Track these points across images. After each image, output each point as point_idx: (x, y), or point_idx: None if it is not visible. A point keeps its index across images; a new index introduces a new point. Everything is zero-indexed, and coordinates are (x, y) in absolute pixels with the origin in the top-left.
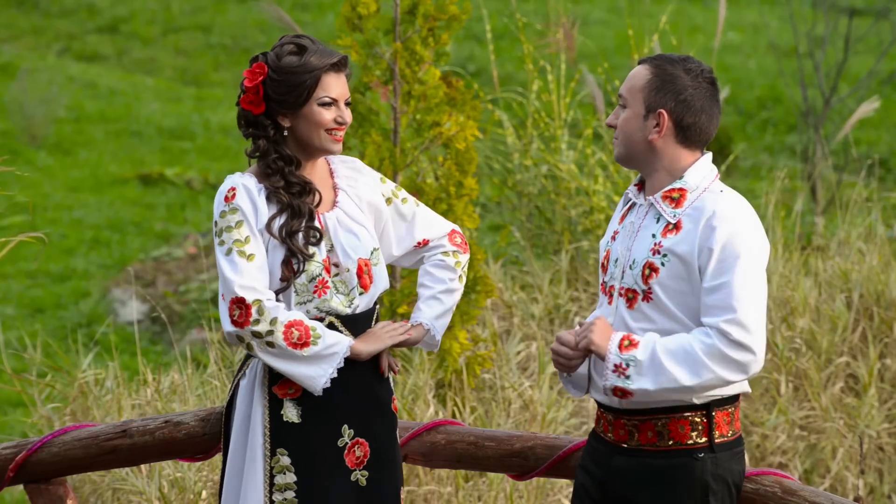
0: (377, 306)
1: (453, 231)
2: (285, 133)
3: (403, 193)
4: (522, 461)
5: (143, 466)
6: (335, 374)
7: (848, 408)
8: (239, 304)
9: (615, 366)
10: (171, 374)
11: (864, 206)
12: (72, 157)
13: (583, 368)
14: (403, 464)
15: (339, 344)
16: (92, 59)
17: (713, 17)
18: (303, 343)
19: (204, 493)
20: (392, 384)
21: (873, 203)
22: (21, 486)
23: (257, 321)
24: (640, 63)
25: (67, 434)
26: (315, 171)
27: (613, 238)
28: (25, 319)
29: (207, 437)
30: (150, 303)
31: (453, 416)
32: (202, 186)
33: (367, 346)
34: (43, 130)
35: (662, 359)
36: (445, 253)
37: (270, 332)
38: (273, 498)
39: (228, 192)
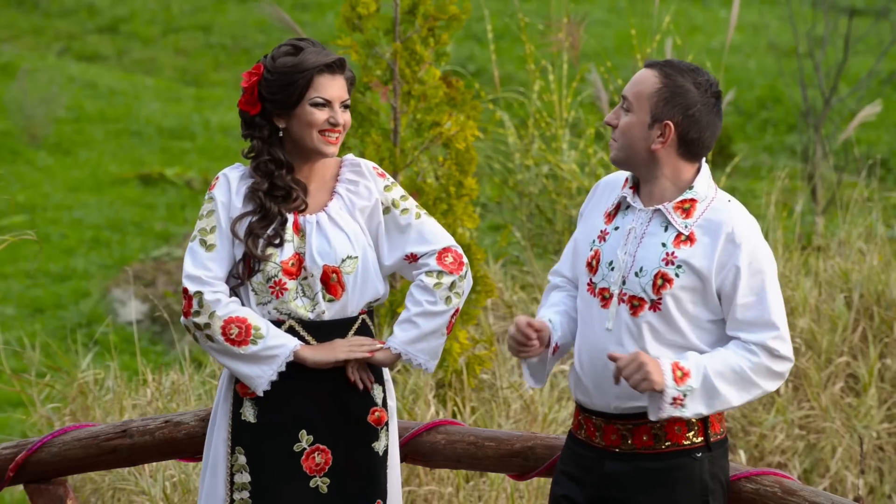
0: (362, 317)
1: (446, 249)
2: (280, 134)
3: (406, 204)
4: (522, 461)
5: (145, 466)
6: (275, 377)
7: (848, 408)
8: (184, 293)
9: (673, 399)
10: (172, 374)
11: (864, 206)
12: (72, 157)
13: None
14: (403, 464)
15: (282, 347)
16: (92, 59)
17: (713, 17)
18: (241, 341)
19: None
20: (380, 396)
21: (873, 203)
22: (21, 486)
23: (197, 313)
24: (647, 66)
25: (67, 434)
26: (315, 173)
27: (602, 239)
28: (25, 319)
29: None
30: (151, 303)
31: (453, 416)
32: (202, 186)
33: (316, 355)
34: (43, 130)
35: (715, 383)
36: (429, 273)
37: (208, 326)
38: (233, 496)
39: (213, 181)
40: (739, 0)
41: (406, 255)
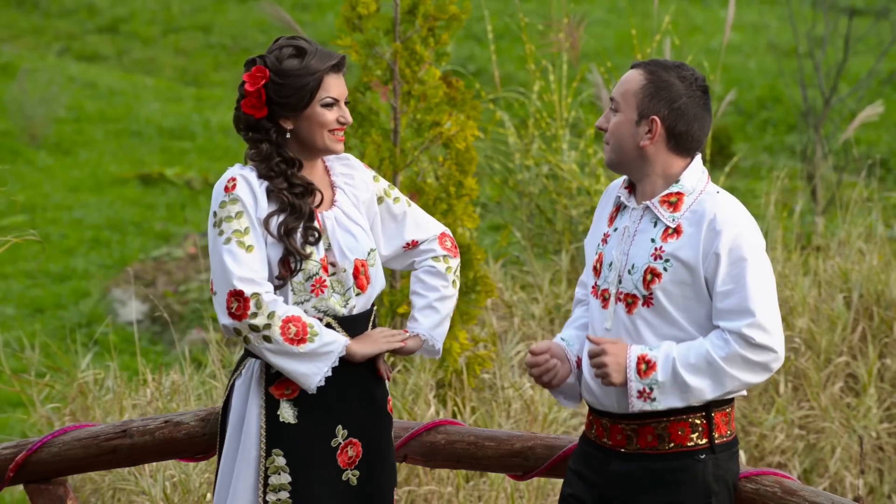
0: (374, 308)
1: (443, 234)
2: (287, 135)
3: (396, 193)
4: (522, 461)
5: (146, 467)
6: (329, 373)
7: (847, 408)
8: (237, 296)
9: (639, 392)
10: (172, 374)
11: (864, 206)
12: (72, 157)
13: (569, 377)
14: (403, 464)
15: (336, 343)
16: (92, 59)
17: (713, 17)
18: (299, 339)
19: (209, 496)
20: (387, 385)
21: (873, 203)
22: (21, 486)
23: (255, 314)
24: (633, 67)
25: (67, 434)
26: (315, 171)
27: (605, 241)
28: (25, 319)
29: (207, 437)
30: (151, 303)
31: (453, 416)
32: (202, 186)
33: (363, 348)
34: (43, 130)
35: (685, 376)
36: (436, 258)
37: (268, 326)
38: (267, 498)
39: (229, 182)
40: (738, 0)
41: (406, 243)
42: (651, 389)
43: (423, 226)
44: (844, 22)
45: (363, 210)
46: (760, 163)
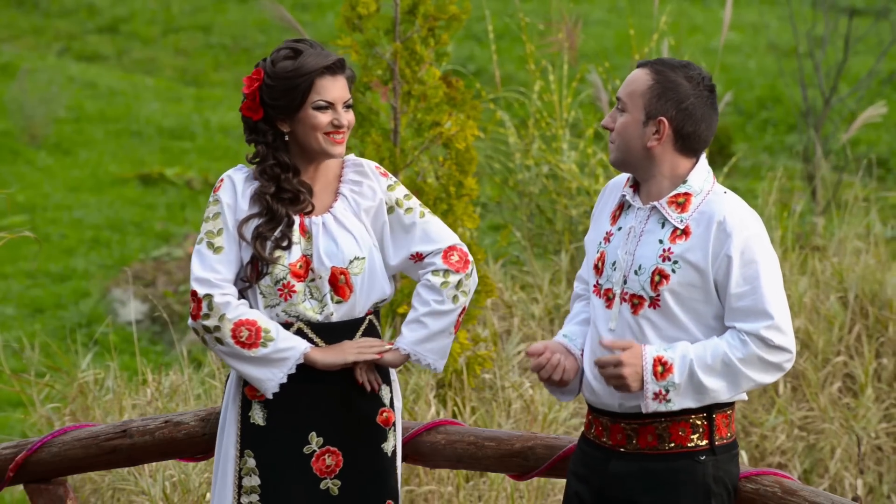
0: (368, 317)
1: (451, 248)
2: (286, 138)
3: (410, 203)
4: (522, 461)
5: (146, 467)
6: (284, 380)
7: (846, 409)
8: (193, 296)
9: (655, 394)
10: (171, 374)
11: (862, 206)
12: (72, 157)
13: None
14: (403, 464)
15: (292, 349)
16: (92, 59)
17: (713, 17)
18: (251, 343)
19: (209, 496)
20: (387, 397)
21: (871, 203)
22: (21, 486)
23: (207, 315)
24: (639, 66)
25: (67, 434)
26: (320, 175)
27: (607, 240)
28: (25, 319)
29: (207, 437)
30: (150, 303)
31: (453, 416)
32: (202, 186)
33: (326, 357)
34: (43, 130)
35: (702, 377)
36: (435, 272)
37: (217, 328)
38: (241, 500)
39: (217, 183)
40: (735, 0)
41: (411, 255)
42: (667, 391)
43: (433, 238)
44: (844, 22)
45: (366, 218)
46: (760, 163)
